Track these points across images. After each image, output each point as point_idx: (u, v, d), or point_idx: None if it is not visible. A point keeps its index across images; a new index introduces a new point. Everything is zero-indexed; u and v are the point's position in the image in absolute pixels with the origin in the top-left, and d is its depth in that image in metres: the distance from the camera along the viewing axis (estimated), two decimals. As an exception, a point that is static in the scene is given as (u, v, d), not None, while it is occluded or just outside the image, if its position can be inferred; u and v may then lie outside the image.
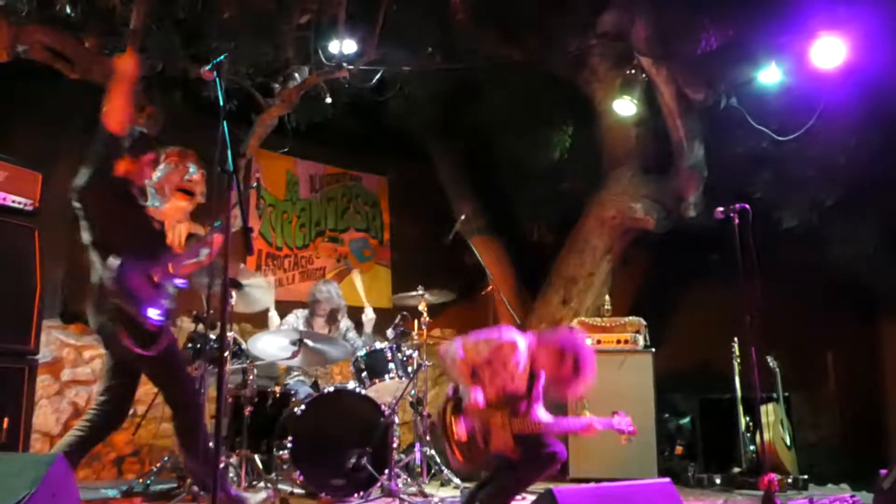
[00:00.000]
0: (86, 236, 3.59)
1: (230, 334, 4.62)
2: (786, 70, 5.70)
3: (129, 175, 3.70)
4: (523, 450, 3.54)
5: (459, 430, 3.60)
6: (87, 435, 3.54)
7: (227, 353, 4.00)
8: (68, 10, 5.00)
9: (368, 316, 5.58)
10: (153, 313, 3.47)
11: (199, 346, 4.65)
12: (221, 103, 2.91)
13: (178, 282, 3.69)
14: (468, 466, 3.74)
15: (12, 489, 1.94)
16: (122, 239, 3.55)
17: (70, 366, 5.66)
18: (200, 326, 4.69)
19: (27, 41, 4.89)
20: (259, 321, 6.46)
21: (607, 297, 6.42)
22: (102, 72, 5.15)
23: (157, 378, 3.71)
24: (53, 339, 5.61)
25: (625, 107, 6.39)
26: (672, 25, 5.83)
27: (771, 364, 5.91)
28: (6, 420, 3.78)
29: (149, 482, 4.66)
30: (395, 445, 4.49)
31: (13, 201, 3.87)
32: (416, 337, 5.17)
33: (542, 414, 3.68)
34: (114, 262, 3.43)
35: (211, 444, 4.52)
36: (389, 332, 5.20)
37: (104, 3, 5.04)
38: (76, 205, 3.57)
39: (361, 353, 4.93)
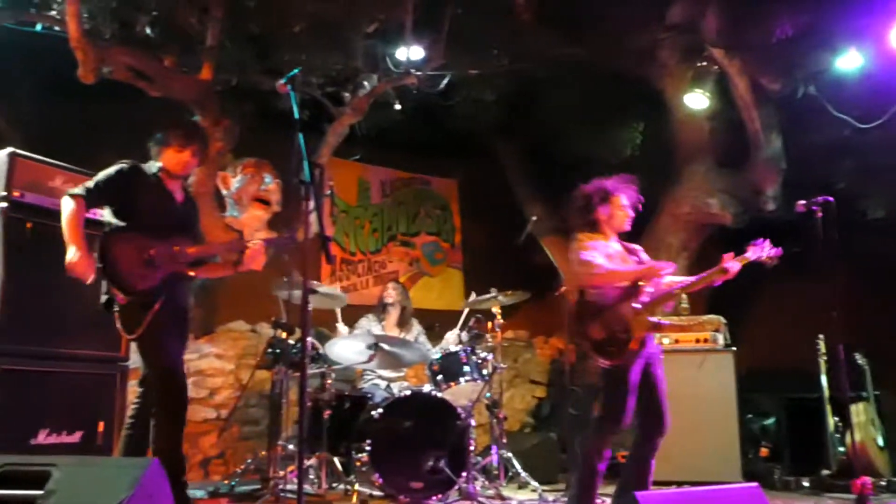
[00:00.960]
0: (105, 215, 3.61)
1: (309, 339, 4.72)
2: (867, 55, 5.47)
3: (174, 167, 3.66)
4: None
5: (594, 331, 3.65)
6: (135, 432, 3.52)
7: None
8: (148, 30, 5.22)
9: (449, 341, 5.40)
10: (129, 287, 3.35)
11: (278, 351, 4.77)
12: (296, 116, 2.98)
13: (182, 270, 3.54)
14: (613, 362, 3.65)
15: (112, 492, 2.04)
16: (132, 217, 3.49)
17: (158, 372, 5.87)
18: (280, 332, 4.82)
19: (111, 63, 5.12)
20: (334, 326, 6.60)
21: (684, 296, 6.25)
22: (181, 89, 5.37)
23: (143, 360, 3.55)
24: (142, 347, 5.84)
25: (697, 100, 6.26)
26: (744, 14, 5.68)
27: (859, 361, 5.69)
28: (101, 424, 3.97)
29: (234, 483, 4.81)
30: (471, 448, 4.50)
31: (102, 216, 4.03)
32: (490, 339, 5.17)
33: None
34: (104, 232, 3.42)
35: (292, 446, 4.65)
36: (464, 335, 5.22)
37: (181, 22, 5.24)
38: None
39: (437, 355, 4.96)
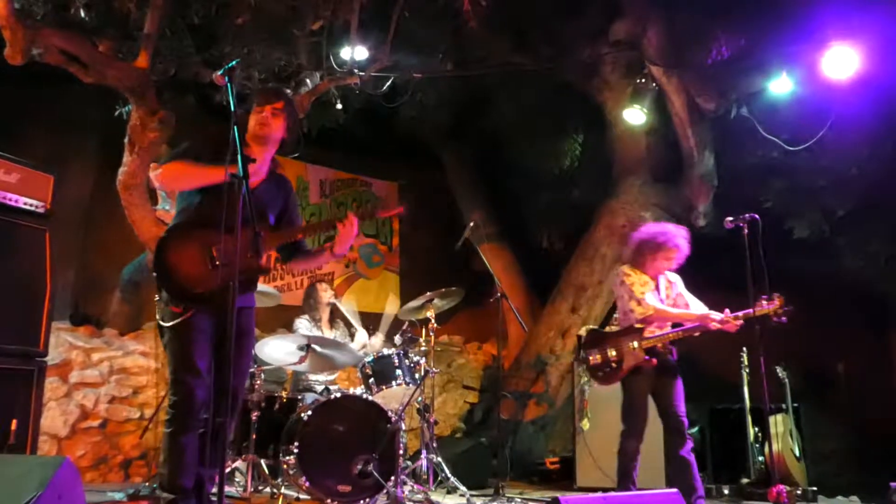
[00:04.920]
0: None
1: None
2: (797, 80, 5.68)
3: (254, 128, 3.28)
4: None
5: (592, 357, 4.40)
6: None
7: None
8: (83, 14, 5.03)
9: (365, 340, 5.45)
10: (187, 293, 3.02)
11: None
12: (233, 108, 2.91)
13: (255, 266, 3.10)
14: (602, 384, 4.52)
15: (19, 491, 1.95)
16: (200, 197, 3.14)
17: (78, 368, 5.68)
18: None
19: (42, 45, 4.91)
20: (267, 326, 6.49)
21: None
22: (116, 76, 5.19)
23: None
24: (62, 342, 5.63)
25: (635, 116, 6.39)
26: (684, 34, 5.83)
27: (780, 374, 5.89)
28: (14, 421, 3.78)
29: (155, 486, 4.65)
30: (401, 452, 4.48)
31: (25, 203, 3.87)
32: (423, 343, 5.16)
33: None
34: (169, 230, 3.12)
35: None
36: (397, 339, 5.20)
37: (119, 7, 5.07)
38: None
39: (369, 358, 4.92)
